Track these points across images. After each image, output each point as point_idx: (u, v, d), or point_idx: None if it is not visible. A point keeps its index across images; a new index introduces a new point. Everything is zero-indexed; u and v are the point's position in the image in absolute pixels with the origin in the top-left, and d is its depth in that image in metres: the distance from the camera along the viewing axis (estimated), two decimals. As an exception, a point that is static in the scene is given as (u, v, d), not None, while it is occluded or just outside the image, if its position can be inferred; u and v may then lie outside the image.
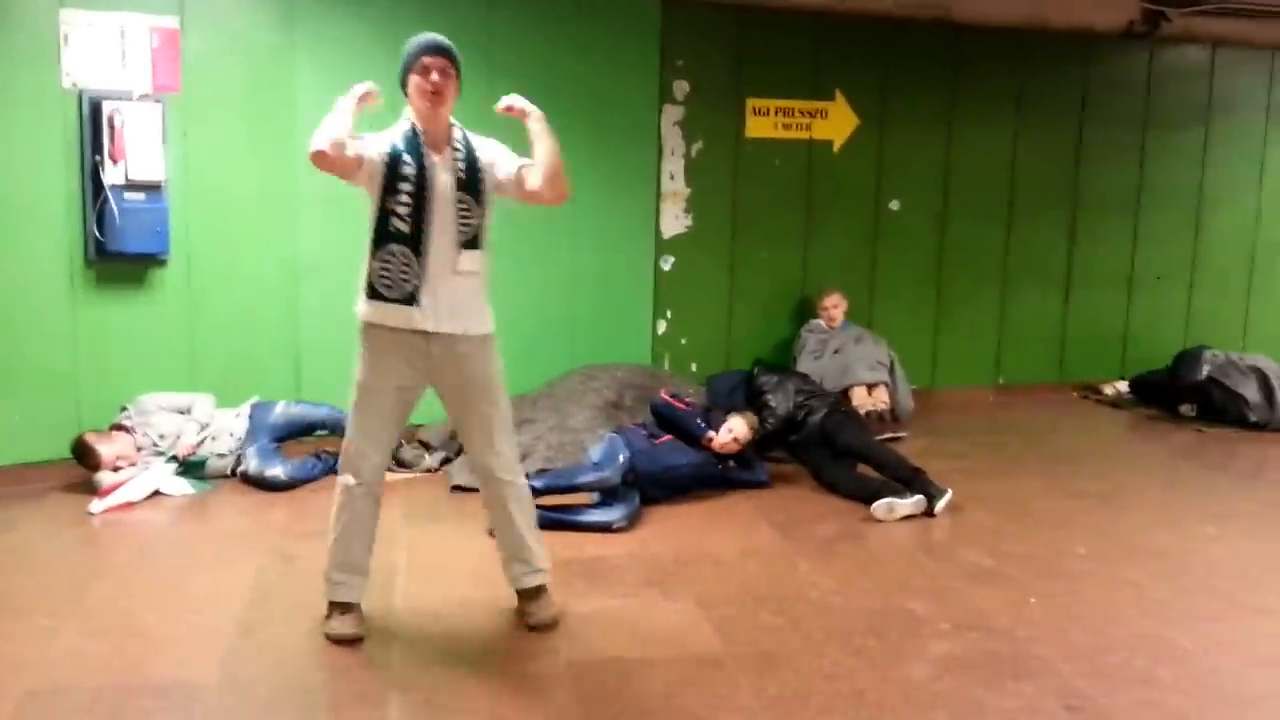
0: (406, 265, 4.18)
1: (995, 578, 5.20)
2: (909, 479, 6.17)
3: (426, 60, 4.20)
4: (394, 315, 4.23)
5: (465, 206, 4.25)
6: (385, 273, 4.19)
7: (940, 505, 6.03)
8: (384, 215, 4.19)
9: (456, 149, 4.28)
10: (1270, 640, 4.55)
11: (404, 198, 4.17)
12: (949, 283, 8.99)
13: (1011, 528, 5.93)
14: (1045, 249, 9.26)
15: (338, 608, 4.45)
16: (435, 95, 4.20)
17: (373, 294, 4.24)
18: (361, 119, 4.21)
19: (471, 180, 4.28)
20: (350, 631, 4.38)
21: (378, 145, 4.22)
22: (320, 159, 4.06)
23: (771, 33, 8.20)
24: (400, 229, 4.18)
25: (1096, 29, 9.14)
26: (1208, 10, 9.17)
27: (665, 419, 6.44)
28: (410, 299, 4.20)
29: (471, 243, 4.27)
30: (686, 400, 6.60)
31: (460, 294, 4.28)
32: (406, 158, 4.19)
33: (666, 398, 6.55)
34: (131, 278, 6.61)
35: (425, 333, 4.25)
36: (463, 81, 4.33)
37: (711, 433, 6.35)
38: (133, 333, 6.62)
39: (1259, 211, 9.82)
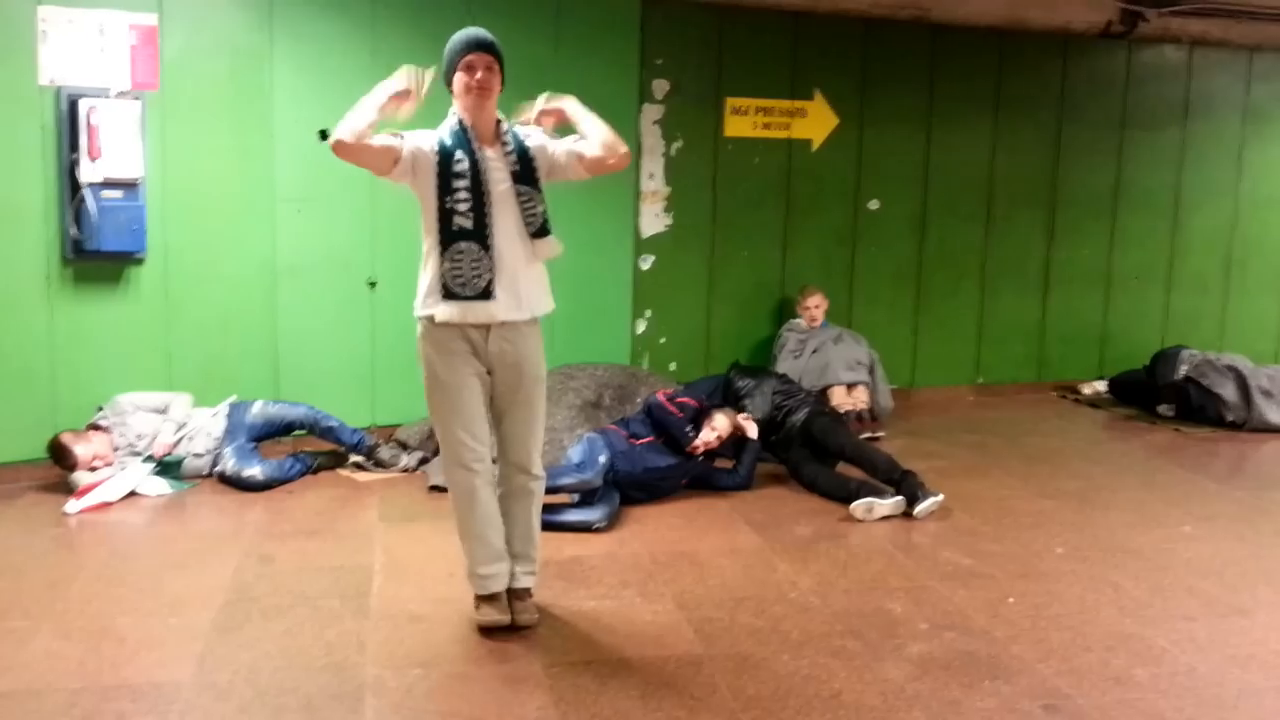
0: (477, 261, 4.22)
1: (973, 577, 5.21)
2: (899, 480, 6.17)
3: (471, 58, 4.25)
4: (472, 312, 4.26)
5: (526, 197, 4.31)
6: (457, 272, 4.22)
7: (920, 509, 6.02)
8: (445, 215, 4.22)
9: (506, 142, 4.33)
10: (1247, 640, 4.56)
11: (462, 194, 4.21)
12: (928, 282, 9.01)
13: (990, 527, 5.94)
14: (1024, 248, 9.28)
15: (485, 599, 4.49)
16: (482, 91, 4.24)
17: (448, 294, 4.24)
18: (390, 121, 4.26)
19: (526, 171, 4.34)
20: (500, 619, 4.44)
21: (423, 143, 4.26)
22: (341, 149, 4.13)
23: (751, 32, 8.20)
24: (465, 226, 4.22)
25: (1074, 29, 9.16)
26: (1185, 10, 9.19)
27: (657, 422, 6.42)
28: (486, 294, 4.24)
29: (541, 230, 4.34)
30: (680, 401, 6.56)
31: (527, 281, 4.37)
32: (459, 154, 4.23)
33: (663, 400, 6.52)
34: (108, 276, 6.57)
35: (485, 326, 4.30)
36: (503, 62, 4.35)
37: (697, 441, 6.33)
38: (109, 332, 6.59)
39: (1236, 211, 9.86)
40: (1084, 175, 9.35)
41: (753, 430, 6.61)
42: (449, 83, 4.33)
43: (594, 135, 4.41)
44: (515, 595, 4.58)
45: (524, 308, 4.36)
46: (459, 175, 4.21)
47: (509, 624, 4.45)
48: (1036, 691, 4.06)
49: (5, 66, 6.21)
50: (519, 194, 4.29)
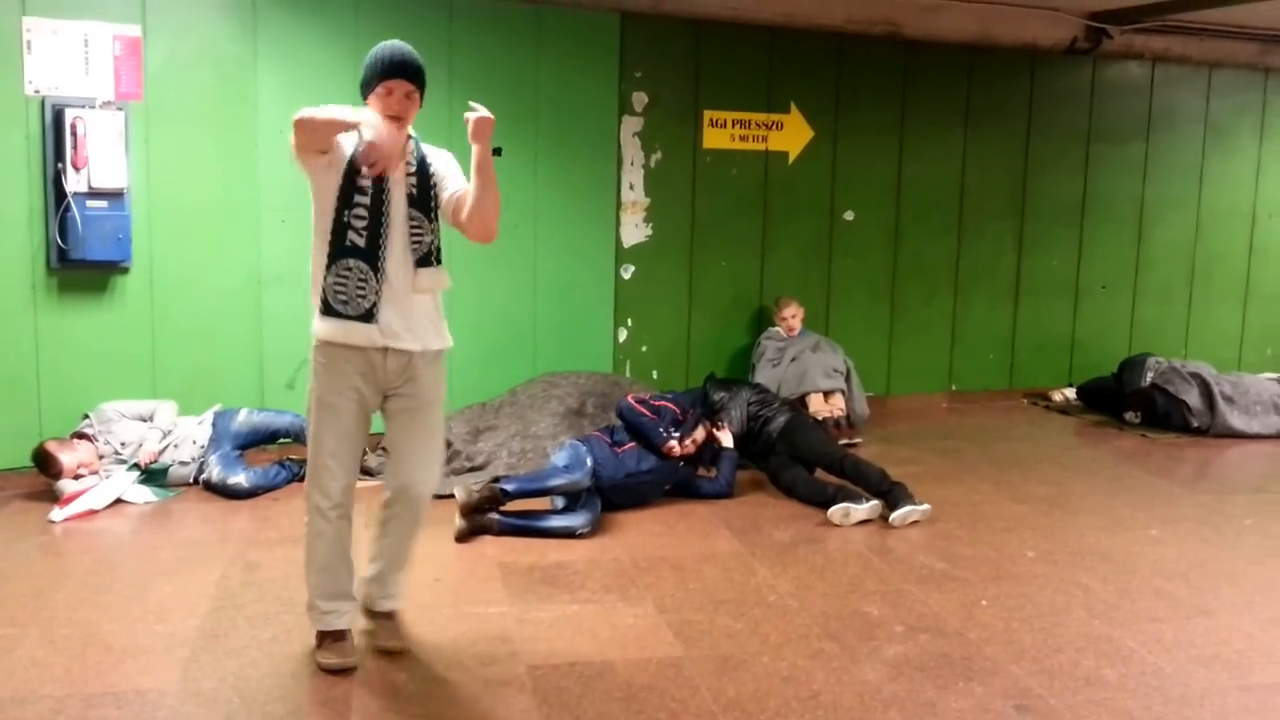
0: (363, 281, 3.98)
1: (947, 581, 5.22)
2: (888, 492, 6.15)
3: (390, 84, 3.95)
4: (352, 333, 4.01)
5: (416, 224, 4.07)
6: (341, 288, 3.98)
7: (895, 515, 6.00)
8: (340, 228, 3.97)
9: (410, 163, 4.07)
10: (1212, 640, 4.59)
11: (360, 211, 3.97)
12: (902, 292, 9.04)
13: (963, 532, 5.95)
14: (995, 259, 9.32)
15: (329, 636, 4.22)
16: (397, 121, 3.97)
17: (328, 310, 4.01)
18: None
19: (423, 197, 4.09)
20: (345, 661, 4.15)
21: (341, 147, 3.98)
22: (302, 127, 3.82)
23: (728, 46, 8.21)
24: (356, 243, 3.98)
25: (1041, 45, 9.21)
26: (1148, 27, 9.26)
27: (629, 425, 6.40)
28: (368, 316, 4.00)
29: (425, 260, 4.10)
30: (655, 403, 6.54)
31: (418, 311, 4.11)
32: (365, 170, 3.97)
33: (632, 402, 6.49)
34: (94, 285, 6.53)
35: (383, 348, 4.07)
36: (425, 94, 4.10)
37: (672, 442, 6.30)
38: (95, 340, 6.56)
39: (1198, 222, 9.93)
40: (1052, 187, 9.41)
41: (728, 440, 6.60)
42: (365, 96, 4.04)
43: (478, 201, 4.05)
44: (385, 616, 4.40)
45: (408, 338, 4.08)
46: (361, 191, 3.96)
47: (353, 667, 4.15)
48: (1009, 692, 4.07)
49: (-9, 77, 6.20)
50: (410, 218, 4.05)
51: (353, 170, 3.96)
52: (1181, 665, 4.33)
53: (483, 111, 3.98)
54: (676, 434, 6.31)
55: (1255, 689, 4.16)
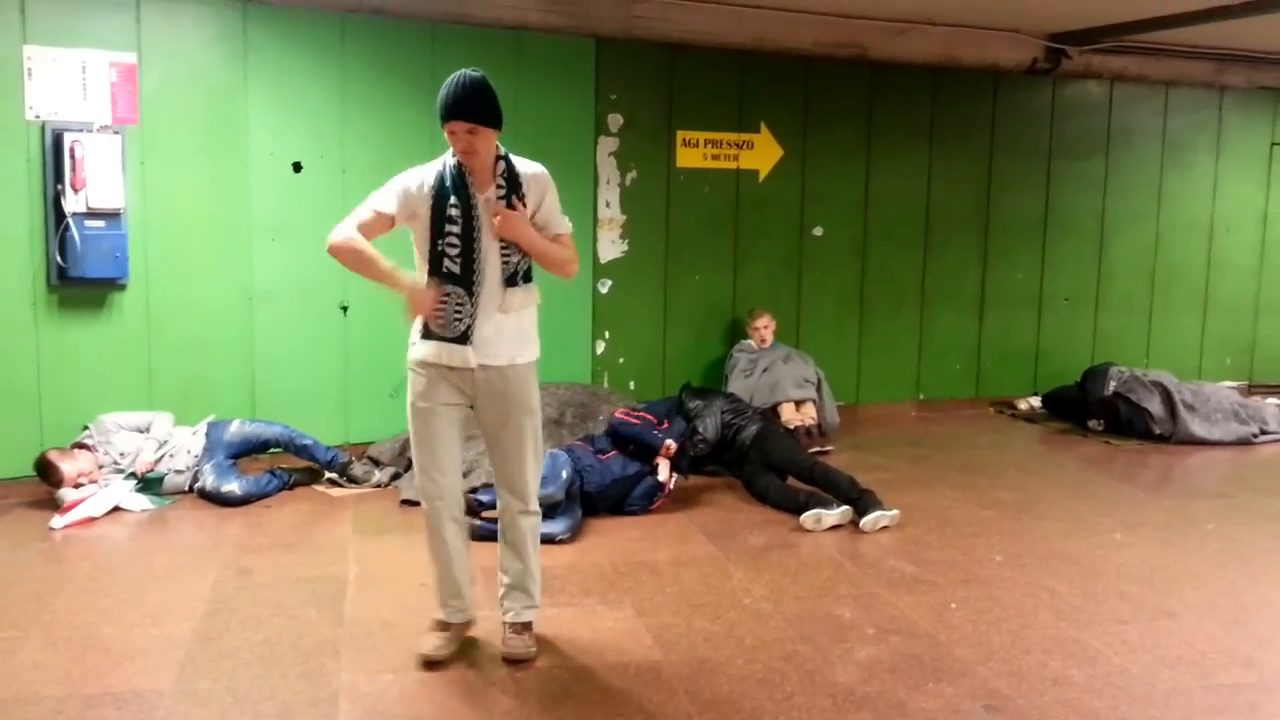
0: (460, 305, 4.04)
1: (918, 584, 5.21)
2: (857, 499, 6.14)
3: (450, 126, 3.96)
4: (450, 354, 4.08)
5: (505, 245, 4.09)
6: (440, 312, 4.05)
7: (865, 520, 6.00)
8: (436, 257, 4.05)
9: (500, 185, 4.07)
10: (1176, 641, 4.59)
11: (453, 239, 4.02)
12: (870, 304, 9.04)
13: (933, 536, 5.95)
14: (960, 272, 9.33)
15: (436, 624, 4.34)
16: (467, 156, 4.00)
17: (428, 334, 4.09)
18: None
19: None
20: (431, 652, 4.23)
21: (416, 185, 4.08)
22: (336, 252, 4.16)
23: (700, 69, 8.22)
24: (452, 270, 4.03)
25: (1003, 66, 9.25)
26: (1106, 48, 9.32)
27: (622, 436, 6.38)
28: (464, 338, 4.06)
29: (512, 280, 4.12)
30: (639, 414, 6.53)
31: (508, 328, 4.15)
32: (453, 199, 4.02)
33: (622, 415, 6.49)
34: (92, 301, 6.50)
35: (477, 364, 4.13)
36: (492, 113, 4.01)
37: (669, 440, 6.31)
38: (93, 354, 6.53)
39: (1157, 236, 9.97)
40: (1015, 203, 9.43)
41: (663, 474, 6.45)
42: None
43: (549, 269, 4.25)
44: (515, 628, 4.36)
45: (503, 354, 4.13)
46: (451, 220, 4.02)
47: (440, 659, 4.21)
48: (978, 692, 4.07)
49: (-8, 102, 6.17)
50: (499, 237, 4.06)
51: (440, 201, 4.04)
52: (1147, 666, 4.34)
53: (503, 211, 4.05)
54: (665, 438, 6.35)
55: (1219, 689, 4.17)
